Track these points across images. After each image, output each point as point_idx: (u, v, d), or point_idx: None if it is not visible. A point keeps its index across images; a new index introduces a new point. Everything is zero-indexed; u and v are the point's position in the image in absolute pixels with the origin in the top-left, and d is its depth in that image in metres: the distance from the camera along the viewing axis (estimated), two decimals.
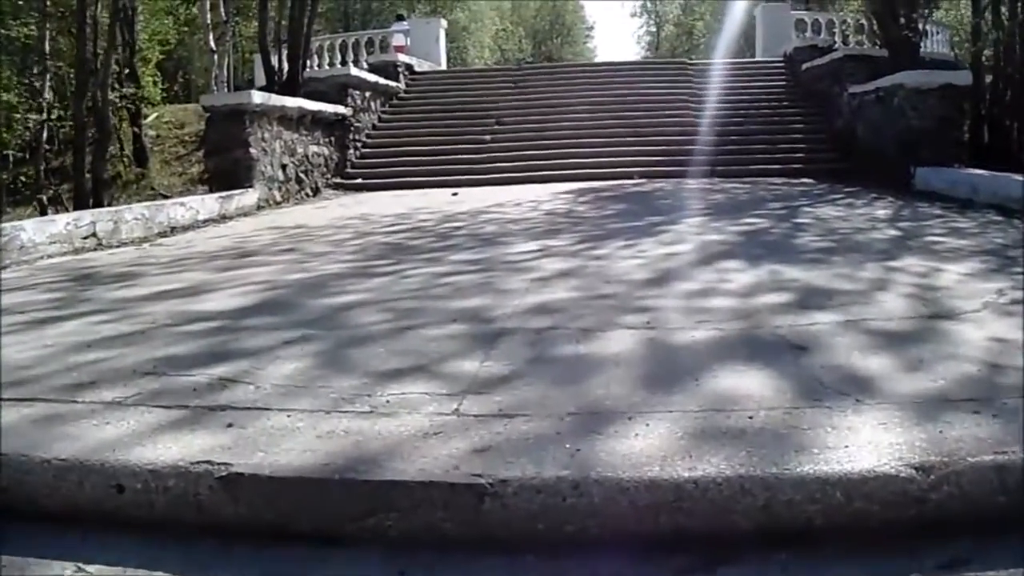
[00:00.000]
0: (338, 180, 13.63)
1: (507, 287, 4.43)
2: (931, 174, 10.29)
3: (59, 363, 3.19)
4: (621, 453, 2.08)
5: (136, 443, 2.29)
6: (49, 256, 6.97)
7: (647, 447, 2.11)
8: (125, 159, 18.12)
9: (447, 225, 7.62)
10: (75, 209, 10.93)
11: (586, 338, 3.24)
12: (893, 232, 6.59)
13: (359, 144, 14.74)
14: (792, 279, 4.44)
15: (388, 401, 2.56)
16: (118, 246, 7.72)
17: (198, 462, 2.15)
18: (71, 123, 13.18)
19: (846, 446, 2.08)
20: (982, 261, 5.08)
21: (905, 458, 2.00)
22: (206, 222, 9.37)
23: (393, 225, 7.84)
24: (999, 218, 7.41)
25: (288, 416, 2.46)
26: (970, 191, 9.08)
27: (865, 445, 2.08)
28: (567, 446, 2.13)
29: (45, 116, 14.22)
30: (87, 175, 11.99)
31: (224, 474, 2.12)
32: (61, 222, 7.56)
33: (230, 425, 2.40)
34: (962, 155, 10.96)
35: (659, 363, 2.89)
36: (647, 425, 2.26)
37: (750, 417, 2.30)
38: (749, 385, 2.59)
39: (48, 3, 13.68)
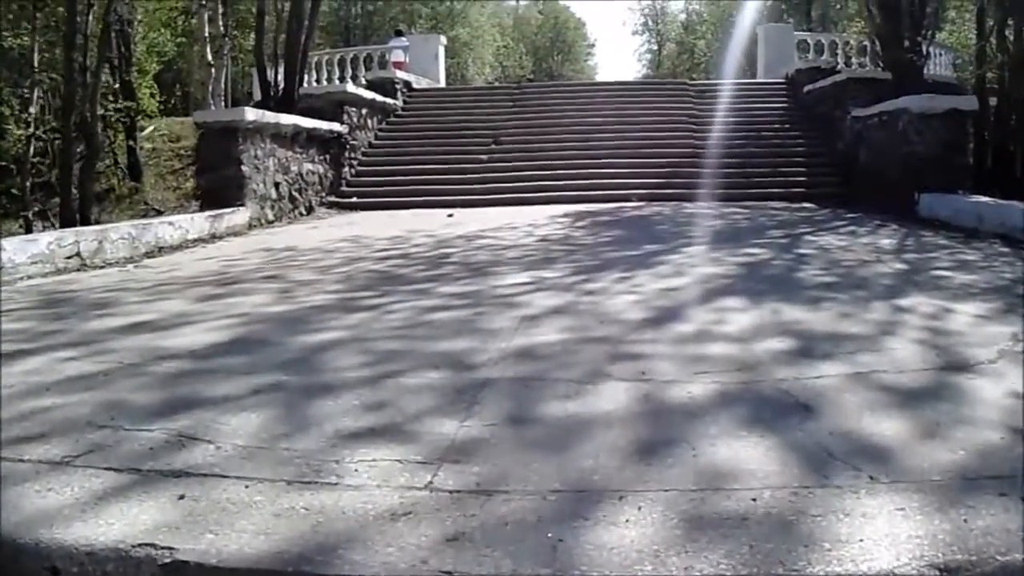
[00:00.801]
0: (333, 199, 13.42)
1: (495, 326, 4.21)
2: (935, 201, 10.10)
3: (13, 409, 2.98)
4: (609, 545, 1.85)
5: (78, 516, 2.08)
6: (30, 277, 6.74)
7: (638, 537, 1.89)
8: (119, 172, 17.95)
9: (438, 252, 7.40)
10: (62, 227, 10.72)
11: (576, 393, 3.01)
12: (899, 265, 6.38)
13: (355, 162, 14.55)
14: (795, 320, 4.22)
15: (356, 470, 2.34)
16: (102, 267, 7.50)
17: (141, 544, 1.94)
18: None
19: (860, 540, 1.85)
20: (992, 300, 4.87)
21: (927, 556, 1.78)
22: (195, 242, 9.16)
23: (384, 251, 7.62)
24: (1005, 249, 7.22)
25: (246, 487, 2.23)
26: (975, 220, 8.88)
27: (882, 539, 1.86)
28: (549, 535, 1.91)
29: (32, 130, 13.99)
30: (74, 191, 11.77)
31: (167, 561, 1.91)
32: (43, 241, 7.34)
33: (182, 497, 2.18)
34: (966, 181, 10.77)
35: (654, 426, 2.67)
36: (639, 508, 2.03)
37: (753, 499, 2.07)
38: (751, 456, 2.36)
39: (38, 15, 13.49)
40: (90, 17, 12.36)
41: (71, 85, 11.43)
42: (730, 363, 3.37)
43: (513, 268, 6.28)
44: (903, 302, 4.78)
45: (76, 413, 2.92)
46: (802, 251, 7.15)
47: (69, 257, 7.51)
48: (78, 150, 12.15)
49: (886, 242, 7.85)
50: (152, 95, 19.39)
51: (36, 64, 13.77)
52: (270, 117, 11.46)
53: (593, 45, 64.61)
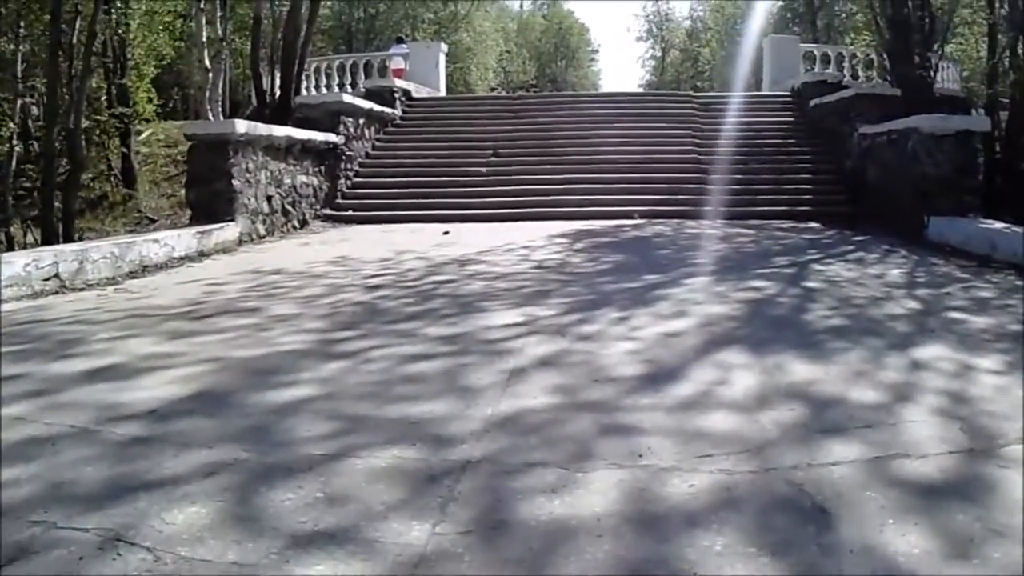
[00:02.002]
0: (328, 211, 13.12)
1: (479, 382, 3.88)
2: (945, 225, 9.78)
3: None
4: None
5: None
6: (5, 301, 6.43)
7: None
8: (113, 179, 17.67)
9: (429, 280, 7.07)
10: (43, 243, 10.41)
11: (563, 485, 2.69)
12: (911, 304, 6.05)
13: (351, 174, 14.25)
14: (804, 381, 3.89)
15: None
16: (82, 288, 7.20)
17: None
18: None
19: None
20: (1014, 350, 4.55)
21: None
22: (182, 260, 8.85)
23: (372, 276, 7.30)
24: (1021, 283, 6.91)
25: None
26: (988, 247, 8.57)
27: None
28: None
29: (12, 143, 13.66)
30: (57, 206, 11.45)
31: None
32: (19, 263, 7.01)
33: None
34: (977, 205, 10.46)
35: (650, 536, 2.34)
36: None
37: None
38: None
39: (22, 24, 13.16)
40: (77, 25, 12.01)
41: (54, 95, 11.11)
42: (735, 443, 3.05)
43: (505, 303, 5.95)
44: (919, 354, 4.46)
45: (11, 500, 2.62)
46: (809, 284, 6.82)
47: (47, 279, 7.19)
48: (62, 163, 11.82)
49: (896, 273, 7.53)
50: (150, 99, 19.10)
51: (19, 74, 13.45)
52: (262, 129, 11.16)
53: (597, 51, 64.49)
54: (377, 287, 6.77)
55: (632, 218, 12.03)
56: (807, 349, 4.52)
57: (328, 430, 3.24)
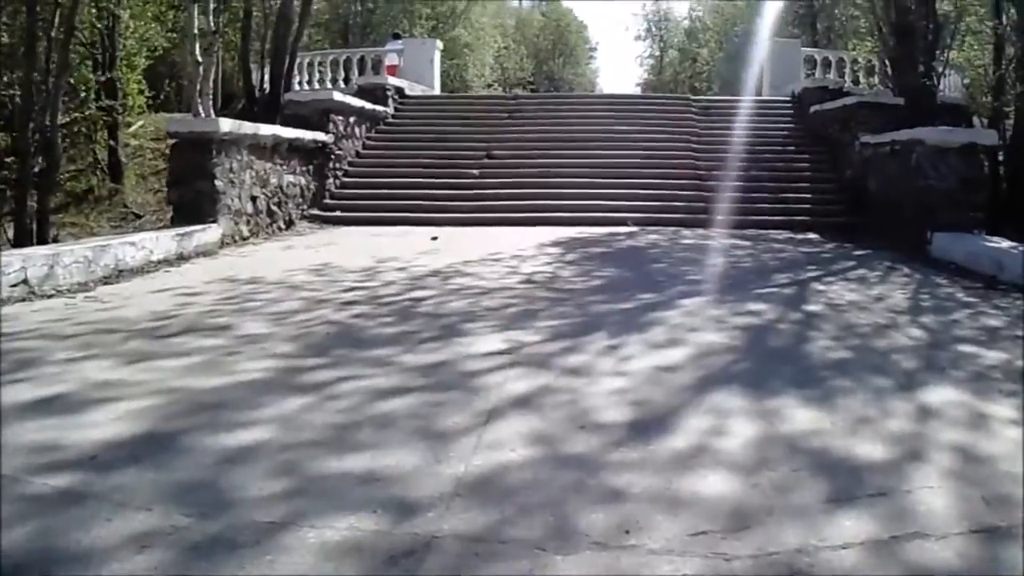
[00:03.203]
0: (315, 212, 12.79)
1: (452, 426, 3.55)
2: (950, 242, 9.49)
3: None
4: None
5: None
6: None
7: None
8: (99, 172, 17.29)
9: (411, 295, 6.74)
10: (15, 246, 10.04)
11: (539, 572, 2.36)
12: (917, 333, 5.75)
13: (340, 173, 13.91)
14: (807, 432, 3.57)
15: None
16: (52, 295, 6.86)
17: None
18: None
19: None
20: None
21: None
22: (159, 263, 8.50)
23: (351, 290, 6.96)
24: None
25: None
26: (994, 267, 8.28)
27: None
28: None
29: None
30: (32, 205, 11.09)
31: None
32: None
33: None
34: (982, 220, 10.17)
35: None
36: None
37: None
38: None
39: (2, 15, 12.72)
40: (56, 18, 11.60)
41: (29, 91, 10.73)
42: (733, 515, 2.73)
43: (488, 325, 5.62)
44: (928, 397, 4.15)
45: None
46: (810, 307, 6.51)
47: (14, 285, 6.85)
48: (38, 160, 11.44)
49: (899, 296, 7.23)
50: (141, 91, 18.70)
51: None
52: (248, 128, 10.82)
53: (595, 49, 63.89)
54: (355, 302, 6.43)
55: (627, 224, 11.71)
56: (809, 389, 4.20)
57: (281, 489, 2.91)
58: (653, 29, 56.45)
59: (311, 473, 3.06)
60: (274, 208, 11.68)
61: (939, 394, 4.23)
